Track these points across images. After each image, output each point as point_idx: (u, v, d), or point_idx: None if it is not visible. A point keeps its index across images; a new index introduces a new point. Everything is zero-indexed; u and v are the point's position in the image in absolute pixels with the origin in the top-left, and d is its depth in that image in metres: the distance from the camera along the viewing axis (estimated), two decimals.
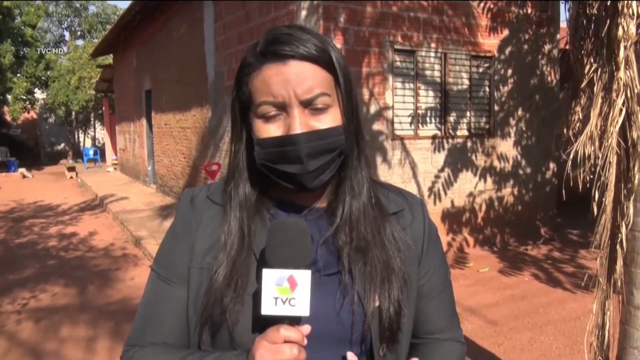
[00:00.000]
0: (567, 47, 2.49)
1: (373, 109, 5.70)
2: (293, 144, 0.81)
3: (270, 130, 0.84)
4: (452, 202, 6.47)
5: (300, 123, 0.82)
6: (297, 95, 0.81)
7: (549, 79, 7.22)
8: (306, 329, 0.77)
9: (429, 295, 0.98)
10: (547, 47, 7.14)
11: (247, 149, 0.90)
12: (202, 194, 0.96)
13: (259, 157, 0.85)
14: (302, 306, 0.76)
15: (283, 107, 0.82)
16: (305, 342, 0.77)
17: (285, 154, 0.82)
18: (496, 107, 6.75)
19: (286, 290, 0.76)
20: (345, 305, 0.85)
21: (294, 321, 0.77)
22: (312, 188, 0.85)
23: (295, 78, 0.81)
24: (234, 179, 0.92)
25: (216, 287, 0.85)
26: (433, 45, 6.11)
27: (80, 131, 28.11)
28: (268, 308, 0.76)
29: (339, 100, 0.86)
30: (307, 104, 0.82)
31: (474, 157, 6.62)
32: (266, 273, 0.77)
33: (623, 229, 2.14)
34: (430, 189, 6.25)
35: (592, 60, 2.18)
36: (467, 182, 6.58)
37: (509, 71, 6.82)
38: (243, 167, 0.91)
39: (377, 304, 0.86)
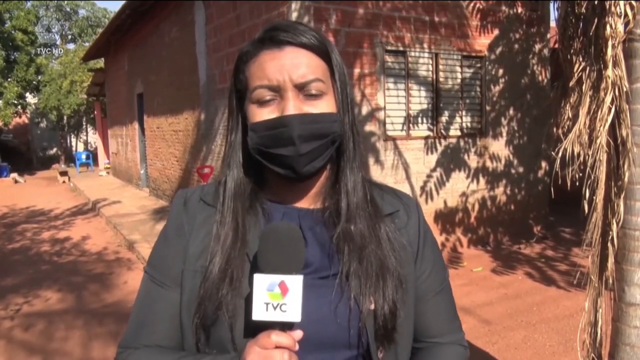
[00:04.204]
0: (557, 46, 2.50)
1: (365, 110, 5.71)
2: (285, 125, 0.82)
3: (264, 114, 0.84)
4: (445, 202, 6.49)
5: (294, 106, 0.83)
6: (292, 80, 0.83)
7: (540, 78, 7.26)
8: (298, 334, 0.77)
9: (425, 296, 0.97)
10: (537, 46, 7.18)
11: (242, 140, 0.91)
12: (196, 195, 0.95)
13: (253, 142, 0.85)
14: (293, 312, 0.75)
15: (277, 91, 0.83)
16: (297, 347, 0.76)
17: (278, 136, 0.82)
18: (488, 107, 6.77)
19: (277, 296, 0.75)
20: (340, 305, 0.84)
21: (286, 326, 0.76)
22: (304, 174, 0.85)
23: (291, 63, 0.83)
24: (229, 169, 0.92)
25: (211, 280, 0.84)
26: (424, 45, 6.12)
27: (73, 135, 27.93)
28: (259, 313, 0.76)
29: (333, 90, 0.88)
30: (301, 88, 0.83)
31: (466, 157, 6.64)
32: (257, 278, 0.76)
33: (614, 227, 2.14)
34: (423, 189, 6.26)
35: (580, 59, 2.19)
36: (459, 182, 6.60)
37: (500, 71, 6.85)
38: (238, 158, 0.91)
39: (372, 302, 0.85)
